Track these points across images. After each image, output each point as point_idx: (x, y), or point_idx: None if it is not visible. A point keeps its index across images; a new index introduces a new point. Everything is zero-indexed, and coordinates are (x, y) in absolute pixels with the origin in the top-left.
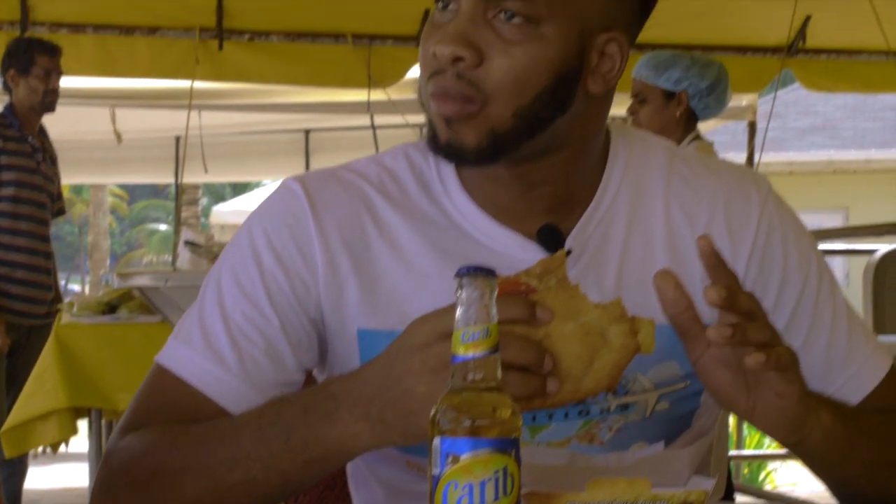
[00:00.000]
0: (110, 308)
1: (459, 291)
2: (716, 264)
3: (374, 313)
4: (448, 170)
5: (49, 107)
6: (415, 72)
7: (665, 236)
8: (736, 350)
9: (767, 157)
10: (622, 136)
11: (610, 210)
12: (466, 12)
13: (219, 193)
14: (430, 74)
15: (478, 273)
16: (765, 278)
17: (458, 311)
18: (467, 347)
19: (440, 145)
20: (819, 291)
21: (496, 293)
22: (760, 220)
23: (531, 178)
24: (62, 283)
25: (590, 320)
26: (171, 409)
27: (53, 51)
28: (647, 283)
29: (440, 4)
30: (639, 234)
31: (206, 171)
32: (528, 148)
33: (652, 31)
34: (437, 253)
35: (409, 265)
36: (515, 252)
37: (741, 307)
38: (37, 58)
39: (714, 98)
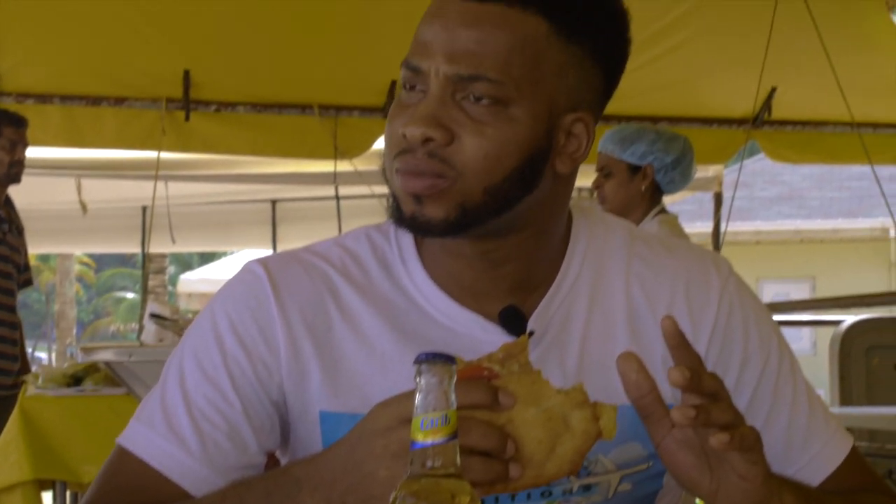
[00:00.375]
0: (75, 380)
1: (418, 378)
2: (679, 344)
3: (336, 396)
4: (410, 252)
5: (14, 178)
6: (381, 143)
7: (626, 317)
8: (699, 431)
9: (734, 227)
10: (583, 217)
11: (572, 291)
12: (435, 94)
13: (186, 262)
14: (398, 153)
15: (436, 359)
16: (725, 359)
17: (417, 398)
18: (426, 434)
19: (404, 218)
20: (780, 372)
21: (455, 379)
22: (721, 301)
23: (495, 256)
24: (29, 350)
25: (552, 406)
26: (132, 490)
27: (19, 122)
28: (608, 363)
29: (407, 86)
30: (600, 315)
31: (173, 241)
32: (495, 224)
33: (618, 102)
34: (398, 335)
35: (371, 348)
36: (477, 333)
37: (705, 388)
38: (3, 129)
39: (679, 172)
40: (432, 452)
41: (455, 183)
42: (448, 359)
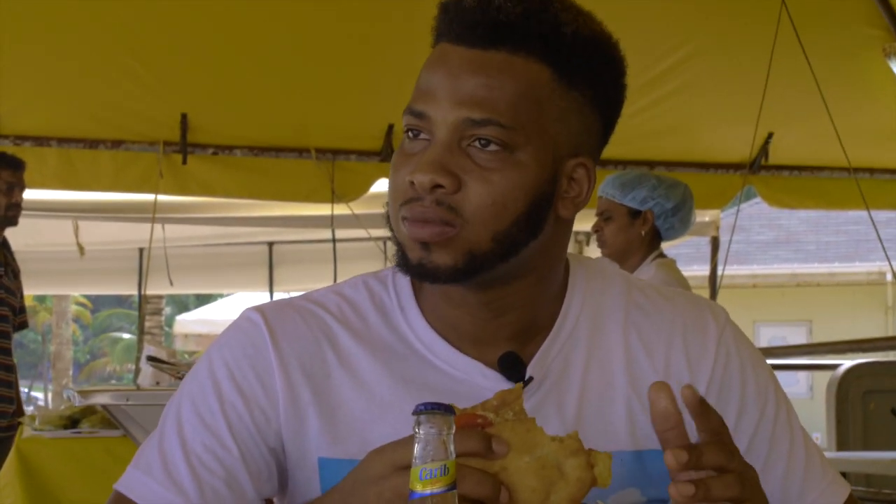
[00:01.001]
0: (72, 422)
1: (417, 428)
2: (702, 412)
3: (335, 442)
4: (408, 299)
5: (11, 221)
6: (378, 186)
7: (624, 365)
8: None
9: (731, 271)
10: (580, 266)
11: (570, 338)
12: (442, 140)
13: (182, 303)
14: (404, 201)
15: (436, 410)
16: (722, 407)
17: (416, 448)
18: (425, 484)
19: (411, 265)
20: (777, 420)
21: (454, 429)
22: (718, 349)
23: (498, 305)
24: (25, 391)
25: (546, 454)
26: None
27: (17, 165)
28: (606, 410)
29: (410, 134)
30: (598, 362)
31: (171, 283)
32: (501, 270)
33: (616, 147)
34: (397, 381)
35: (370, 394)
36: (477, 379)
37: (706, 464)
38: (0, 172)
39: (679, 219)
40: (431, 502)
41: (463, 230)
42: (447, 409)
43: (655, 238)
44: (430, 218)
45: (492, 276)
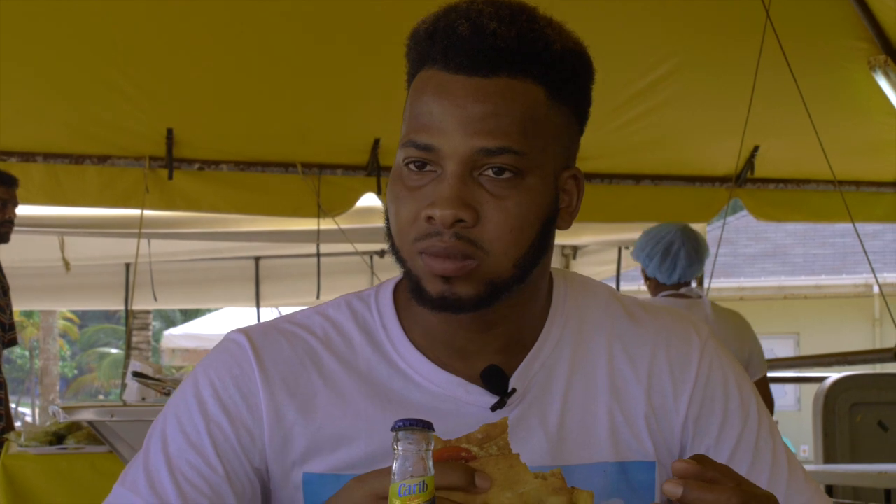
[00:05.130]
0: (58, 438)
1: (396, 444)
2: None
3: (319, 458)
4: (391, 318)
5: (3, 237)
6: (364, 200)
7: (608, 375)
8: None
9: (718, 283)
10: (563, 279)
11: (554, 351)
12: (455, 172)
13: (170, 318)
14: (420, 237)
15: (413, 426)
16: (706, 418)
17: (395, 464)
18: (404, 500)
19: (430, 298)
20: (759, 433)
21: (433, 445)
22: (701, 362)
23: (491, 319)
24: (13, 406)
25: (528, 491)
26: None
27: (11, 182)
28: (589, 422)
29: (413, 166)
30: (582, 374)
31: (155, 299)
32: (517, 290)
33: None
34: (381, 400)
35: (355, 414)
36: (460, 395)
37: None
38: None
39: (672, 262)
40: None
41: (483, 263)
42: (426, 425)
43: (659, 286)
44: (452, 253)
45: (509, 298)
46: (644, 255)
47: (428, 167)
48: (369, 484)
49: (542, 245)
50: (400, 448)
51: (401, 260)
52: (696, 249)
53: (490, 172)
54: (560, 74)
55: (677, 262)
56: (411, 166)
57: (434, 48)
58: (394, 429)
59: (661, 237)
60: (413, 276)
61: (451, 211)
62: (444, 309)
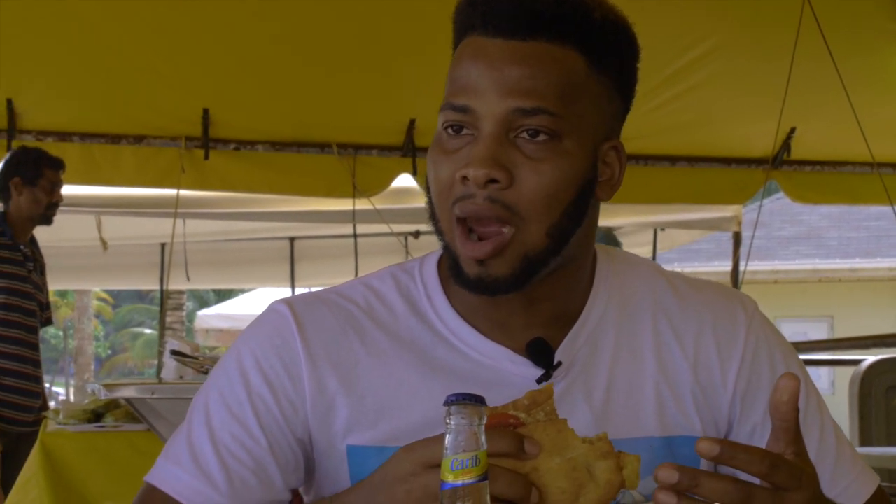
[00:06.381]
0: (96, 416)
1: (448, 419)
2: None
3: (363, 430)
4: (435, 289)
5: (47, 219)
6: (400, 181)
7: (653, 351)
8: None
9: (753, 266)
10: (607, 255)
11: (599, 324)
12: (491, 133)
13: (203, 299)
14: (456, 199)
15: (467, 401)
16: (753, 394)
17: (448, 439)
18: (457, 475)
19: (468, 280)
20: (807, 409)
21: (485, 420)
22: (748, 337)
23: (534, 296)
24: (47, 386)
25: (576, 456)
26: None
27: (59, 165)
28: (635, 396)
29: (450, 130)
30: (627, 349)
31: (188, 279)
32: (554, 263)
33: (638, 142)
34: (426, 370)
35: (398, 383)
36: (506, 366)
37: (738, 464)
38: (44, 170)
39: None
40: (462, 493)
41: (518, 231)
42: (478, 400)
43: None
44: (485, 216)
45: (547, 271)
46: None
47: (465, 130)
48: (418, 452)
49: (577, 214)
50: (452, 422)
51: (440, 231)
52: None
53: (525, 134)
54: (600, 44)
55: None
56: (449, 130)
57: (475, 14)
58: (446, 403)
59: None
60: (451, 254)
61: (485, 170)
62: (482, 291)
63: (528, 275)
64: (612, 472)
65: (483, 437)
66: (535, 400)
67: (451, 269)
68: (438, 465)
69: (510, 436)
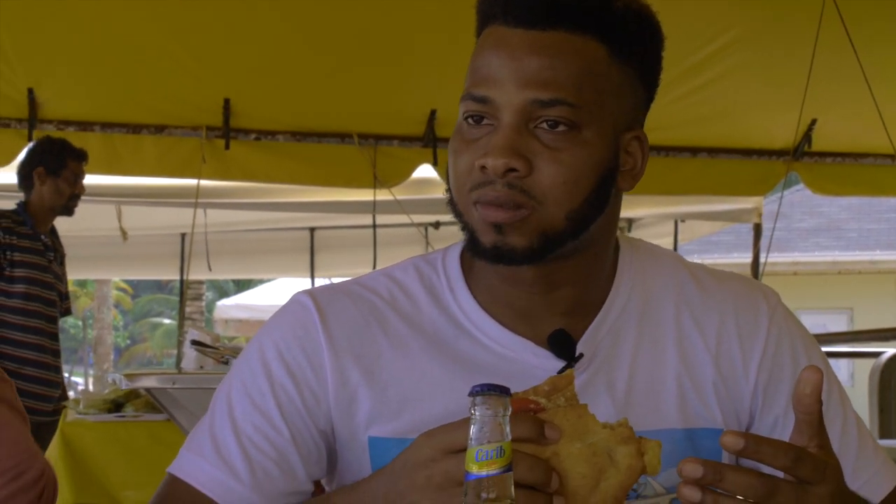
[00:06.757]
0: (116, 406)
1: (473, 409)
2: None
3: (385, 421)
4: (458, 280)
5: (69, 210)
6: (420, 172)
7: (675, 342)
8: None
9: (772, 258)
10: (630, 245)
11: (622, 315)
12: (510, 123)
13: (222, 289)
14: (475, 185)
15: (491, 392)
16: (775, 385)
17: (473, 430)
18: (481, 465)
19: (484, 248)
20: (829, 401)
21: (510, 411)
22: (770, 329)
23: (554, 279)
24: (66, 376)
25: (597, 441)
26: None
27: (83, 156)
28: (657, 388)
29: (471, 120)
30: (649, 340)
31: (209, 269)
32: (571, 247)
33: (659, 133)
34: (448, 362)
35: (420, 374)
36: (528, 358)
37: (763, 457)
38: (68, 162)
39: None
40: (487, 484)
41: (536, 212)
42: (503, 390)
43: None
44: (504, 202)
45: (563, 253)
46: None
47: (485, 121)
48: (438, 438)
49: (598, 202)
50: (477, 413)
51: (458, 213)
52: None
53: (545, 125)
54: (622, 33)
55: None
56: (469, 120)
57: (496, 4)
58: (471, 393)
59: None
60: (469, 228)
61: (504, 160)
62: (498, 260)
63: (545, 250)
64: (633, 457)
65: (508, 428)
66: (556, 385)
67: (468, 244)
68: (459, 451)
69: (531, 421)
